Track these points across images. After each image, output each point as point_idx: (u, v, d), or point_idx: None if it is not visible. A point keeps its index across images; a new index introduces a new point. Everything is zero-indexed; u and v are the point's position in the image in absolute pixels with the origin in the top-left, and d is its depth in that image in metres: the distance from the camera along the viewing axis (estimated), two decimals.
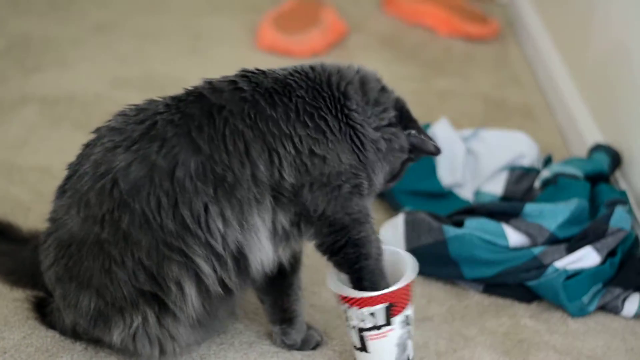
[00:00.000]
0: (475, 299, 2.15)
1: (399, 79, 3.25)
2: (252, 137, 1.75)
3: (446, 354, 1.97)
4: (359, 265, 1.82)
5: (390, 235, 2.23)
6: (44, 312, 1.94)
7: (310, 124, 1.78)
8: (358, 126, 1.82)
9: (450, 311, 2.10)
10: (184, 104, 1.77)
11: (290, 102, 1.78)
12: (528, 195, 2.42)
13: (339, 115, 1.81)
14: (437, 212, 2.27)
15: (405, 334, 1.82)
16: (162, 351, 1.81)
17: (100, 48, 3.34)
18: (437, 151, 1.92)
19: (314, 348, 1.96)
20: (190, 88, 1.81)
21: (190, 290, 1.75)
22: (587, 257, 2.11)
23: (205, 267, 1.74)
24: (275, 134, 1.76)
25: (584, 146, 2.65)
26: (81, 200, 1.75)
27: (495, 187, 2.45)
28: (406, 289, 1.80)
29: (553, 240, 2.16)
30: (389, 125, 1.86)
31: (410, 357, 1.85)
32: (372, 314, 1.78)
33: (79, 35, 3.42)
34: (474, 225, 2.18)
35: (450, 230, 2.16)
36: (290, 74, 1.84)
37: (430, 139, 1.90)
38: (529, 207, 2.21)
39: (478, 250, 2.13)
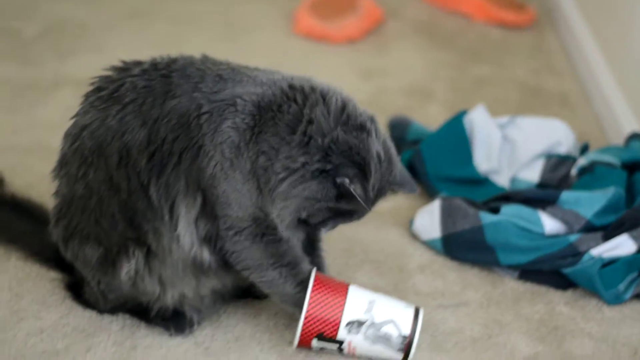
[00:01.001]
0: (511, 285, 2.14)
1: (435, 66, 3.25)
2: (184, 136, 1.75)
3: (481, 340, 1.97)
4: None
5: (427, 222, 2.22)
6: (79, 292, 1.96)
7: (227, 155, 1.74)
8: (261, 171, 1.74)
9: (485, 297, 2.10)
10: (155, 74, 1.79)
11: (222, 123, 1.74)
12: (564, 182, 2.40)
13: (251, 154, 1.74)
14: (473, 199, 2.26)
15: (369, 330, 1.78)
16: (163, 293, 1.85)
17: (134, 33, 3.35)
18: (367, 208, 1.77)
19: None
20: (177, 57, 1.83)
21: (169, 243, 1.79)
22: (623, 245, 2.10)
23: (165, 231, 1.79)
24: (202, 145, 1.75)
25: (621, 134, 2.63)
26: (64, 161, 1.84)
27: (532, 174, 2.44)
28: (311, 321, 1.77)
29: (589, 228, 2.15)
30: (303, 166, 1.73)
31: (405, 334, 1.79)
32: (321, 348, 1.81)
33: (114, 20, 3.43)
34: (510, 212, 2.17)
35: (487, 217, 2.15)
36: (249, 93, 1.76)
37: (368, 193, 1.76)
38: (566, 195, 2.20)
39: (514, 237, 2.12)
